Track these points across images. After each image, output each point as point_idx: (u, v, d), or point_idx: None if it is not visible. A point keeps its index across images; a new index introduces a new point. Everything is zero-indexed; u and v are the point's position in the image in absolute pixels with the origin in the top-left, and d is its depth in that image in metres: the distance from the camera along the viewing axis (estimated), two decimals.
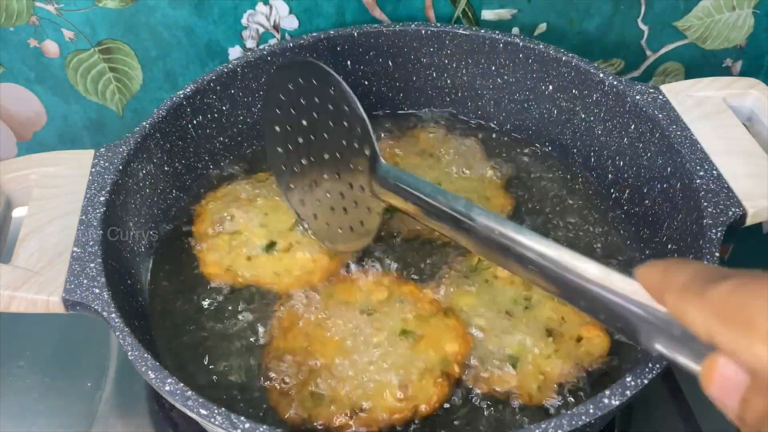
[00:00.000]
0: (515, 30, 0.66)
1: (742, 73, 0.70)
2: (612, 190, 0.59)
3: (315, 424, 0.45)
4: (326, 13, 0.63)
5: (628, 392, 0.39)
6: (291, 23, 0.64)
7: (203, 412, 0.39)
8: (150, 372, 0.41)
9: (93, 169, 0.51)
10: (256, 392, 0.48)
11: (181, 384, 0.40)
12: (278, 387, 0.47)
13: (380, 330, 0.49)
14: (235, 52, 0.65)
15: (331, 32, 0.60)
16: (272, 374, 0.48)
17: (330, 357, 0.47)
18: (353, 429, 0.45)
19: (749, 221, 0.48)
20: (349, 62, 0.62)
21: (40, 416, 0.55)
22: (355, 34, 0.61)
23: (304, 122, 0.50)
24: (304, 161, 0.51)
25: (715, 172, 0.49)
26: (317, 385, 0.47)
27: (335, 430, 0.45)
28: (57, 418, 0.55)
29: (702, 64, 0.69)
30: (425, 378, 0.46)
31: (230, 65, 0.58)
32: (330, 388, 0.46)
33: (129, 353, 0.42)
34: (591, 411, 0.38)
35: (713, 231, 0.46)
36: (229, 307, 0.52)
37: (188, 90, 0.56)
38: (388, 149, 0.61)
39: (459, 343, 0.48)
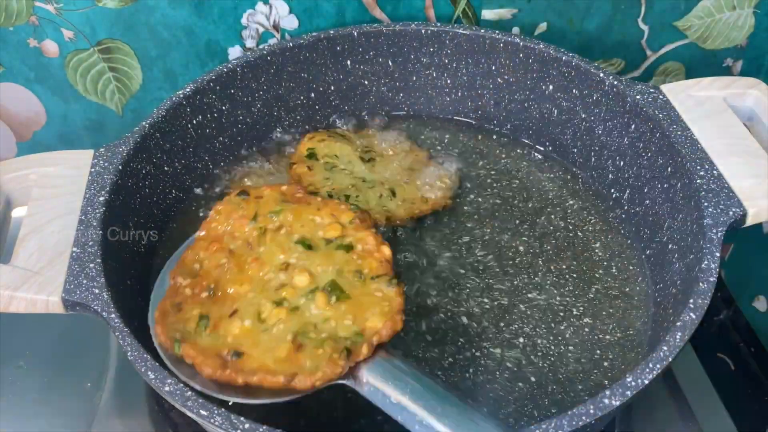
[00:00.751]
0: (515, 30, 0.66)
1: (743, 73, 0.70)
2: (612, 190, 0.59)
3: (178, 351, 0.42)
4: (326, 13, 0.63)
5: (628, 392, 0.39)
6: (291, 23, 0.64)
7: (203, 412, 0.39)
8: (150, 372, 0.41)
9: (92, 169, 0.51)
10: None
11: (181, 384, 0.40)
12: (168, 299, 0.44)
13: (308, 272, 0.44)
14: (234, 52, 0.65)
15: (331, 32, 0.60)
16: (174, 281, 0.45)
17: (239, 282, 0.44)
18: (214, 373, 0.41)
19: (750, 221, 0.48)
20: (349, 62, 0.62)
21: (40, 416, 0.55)
22: (355, 33, 0.61)
23: None
24: None
25: (715, 172, 0.49)
26: (209, 310, 0.43)
27: (197, 366, 0.41)
28: (57, 418, 0.55)
29: (702, 63, 0.69)
30: (324, 346, 0.41)
31: (230, 65, 0.58)
32: (219, 316, 0.43)
33: (128, 353, 0.42)
34: (591, 411, 0.38)
35: (714, 231, 0.46)
36: None
37: (188, 90, 0.56)
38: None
39: (385, 322, 0.42)
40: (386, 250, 0.46)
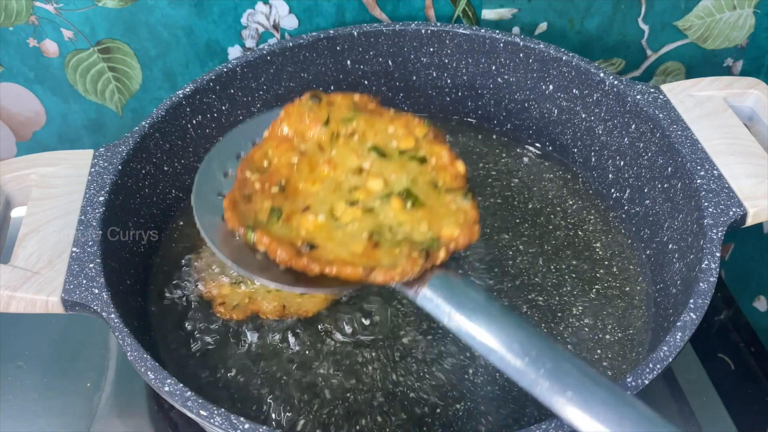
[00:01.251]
0: (515, 29, 0.66)
1: (743, 73, 0.70)
2: (612, 190, 0.59)
3: (251, 236, 0.41)
4: (326, 13, 0.63)
5: (628, 393, 0.39)
6: (291, 23, 0.64)
7: (203, 412, 0.39)
8: (149, 372, 0.41)
9: (92, 169, 0.51)
10: (256, 392, 0.48)
11: (181, 384, 0.40)
12: (237, 190, 0.43)
13: (382, 178, 0.44)
14: (234, 52, 0.65)
15: (331, 32, 0.60)
16: (242, 174, 0.44)
17: (310, 181, 0.44)
18: (290, 259, 0.40)
19: (750, 221, 0.48)
20: (348, 62, 0.62)
21: (40, 416, 0.55)
22: (355, 33, 0.61)
23: None
24: None
25: (715, 172, 0.49)
26: (280, 204, 0.42)
27: (271, 253, 0.40)
28: (56, 418, 0.55)
29: (703, 63, 0.69)
30: (401, 246, 0.40)
31: (230, 65, 0.58)
32: (292, 210, 0.42)
33: (128, 354, 0.42)
34: None
35: (714, 231, 0.46)
36: None
37: (188, 90, 0.56)
38: None
39: (462, 231, 0.41)
40: (460, 166, 0.45)
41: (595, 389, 0.35)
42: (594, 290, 0.53)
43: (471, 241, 0.42)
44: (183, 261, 0.54)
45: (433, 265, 0.40)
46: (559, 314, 0.52)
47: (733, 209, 0.47)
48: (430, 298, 0.40)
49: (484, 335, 0.38)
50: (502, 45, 0.60)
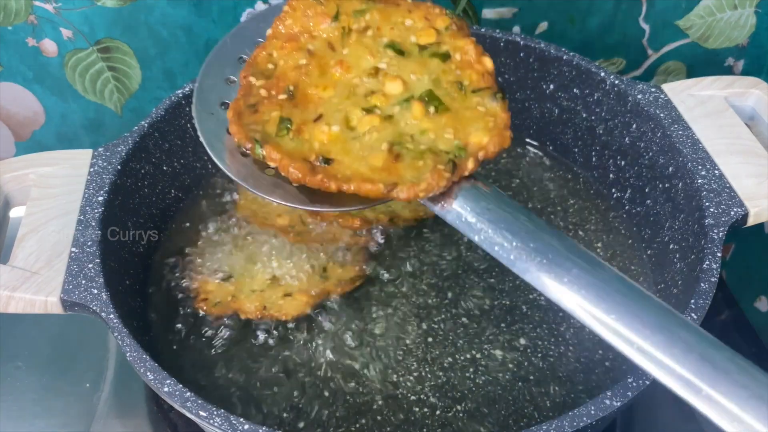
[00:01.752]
0: (516, 29, 0.66)
1: (744, 73, 0.70)
2: (613, 190, 0.59)
3: (259, 151, 0.38)
4: None
5: (629, 393, 0.39)
6: None
7: (202, 413, 0.38)
8: (149, 373, 0.40)
9: (91, 169, 0.51)
10: (256, 393, 0.48)
11: (180, 385, 0.40)
12: (242, 99, 0.40)
13: (401, 79, 0.40)
14: None
15: None
16: (245, 80, 0.41)
17: (322, 86, 0.40)
18: (303, 177, 0.37)
19: (751, 221, 0.48)
20: None
21: (39, 417, 0.55)
22: None
23: None
24: None
25: (717, 171, 0.49)
26: (290, 113, 0.39)
27: (282, 169, 0.37)
28: (55, 419, 0.55)
29: (704, 63, 0.68)
30: (425, 158, 0.37)
31: None
32: (303, 120, 0.39)
33: (127, 354, 0.42)
34: (592, 412, 0.38)
35: (715, 231, 0.46)
36: None
37: (187, 89, 0.56)
38: None
39: (492, 137, 0.38)
40: (488, 62, 0.42)
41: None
42: None
43: (502, 148, 0.38)
44: (183, 260, 0.54)
45: (461, 177, 0.37)
46: (561, 314, 0.52)
47: (735, 209, 0.47)
48: (458, 214, 0.37)
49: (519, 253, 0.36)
50: (502, 44, 0.60)
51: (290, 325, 0.51)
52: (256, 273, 0.53)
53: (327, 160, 0.37)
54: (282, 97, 0.40)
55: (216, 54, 0.44)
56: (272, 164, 0.37)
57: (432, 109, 0.39)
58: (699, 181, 0.48)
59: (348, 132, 0.38)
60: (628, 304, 0.34)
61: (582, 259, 0.36)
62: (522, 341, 0.50)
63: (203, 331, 0.51)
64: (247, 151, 0.38)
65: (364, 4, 0.43)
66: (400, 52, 0.41)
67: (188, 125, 0.57)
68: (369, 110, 0.39)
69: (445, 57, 0.41)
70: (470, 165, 0.37)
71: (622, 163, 0.57)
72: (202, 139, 0.40)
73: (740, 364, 0.32)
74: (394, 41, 0.42)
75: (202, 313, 0.51)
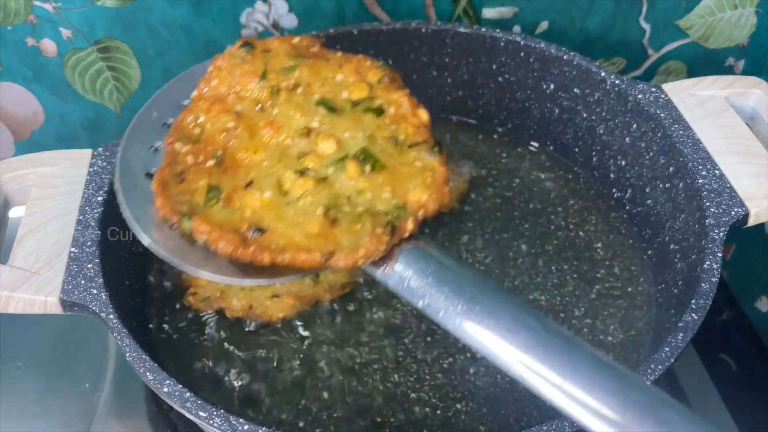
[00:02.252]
0: (516, 28, 0.65)
1: (745, 72, 0.70)
2: (614, 190, 0.59)
3: (186, 225, 0.36)
4: (326, 12, 0.63)
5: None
6: (290, 22, 0.63)
7: (202, 413, 0.38)
8: (148, 373, 0.40)
9: (91, 169, 0.51)
10: (255, 393, 0.48)
11: (180, 385, 0.40)
12: (168, 167, 0.38)
13: (334, 138, 0.38)
14: None
15: (331, 31, 0.60)
16: (170, 147, 0.39)
17: (252, 149, 0.38)
18: (234, 250, 0.35)
19: (752, 221, 0.47)
20: None
21: (38, 417, 0.55)
22: (355, 32, 0.60)
23: None
24: None
25: (717, 171, 0.49)
26: (219, 180, 0.37)
27: (212, 242, 0.35)
28: (55, 419, 0.55)
29: (704, 63, 0.68)
30: (363, 221, 0.36)
31: None
32: (233, 188, 0.37)
33: (127, 354, 0.41)
34: None
35: (716, 231, 0.46)
36: None
37: None
38: None
39: (431, 194, 0.37)
40: (423, 114, 0.40)
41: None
42: (595, 291, 0.53)
43: (442, 205, 0.37)
44: None
45: (402, 239, 0.36)
46: (561, 315, 0.52)
47: (735, 209, 0.47)
48: (401, 277, 0.36)
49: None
50: (502, 44, 0.60)
51: (294, 324, 0.51)
52: None
53: (260, 230, 0.35)
54: (210, 163, 0.38)
55: (139, 120, 0.42)
56: (201, 238, 0.36)
57: (368, 168, 0.37)
58: (699, 181, 0.48)
59: (281, 197, 0.37)
60: (579, 366, 0.33)
61: (531, 321, 0.34)
62: None
63: (204, 332, 0.51)
64: (173, 225, 0.36)
65: (292, 61, 0.41)
66: (332, 109, 0.40)
67: None
68: (302, 173, 0.37)
69: (379, 112, 0.40)
70: (410, 226, 0.36)
71: (623, 163, 0.57)
72: (126, 214, 0.38)
73: (693, 422, 0.31)
74: (325, 98, 0.40)
75: (203, 313, 0.51)
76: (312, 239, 0.35)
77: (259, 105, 0.40)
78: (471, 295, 0.35)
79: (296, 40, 0.43)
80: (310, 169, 0.38)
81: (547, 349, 0.33)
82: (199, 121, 0.40)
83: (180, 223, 0.36)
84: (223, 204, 0.36)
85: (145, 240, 0.37)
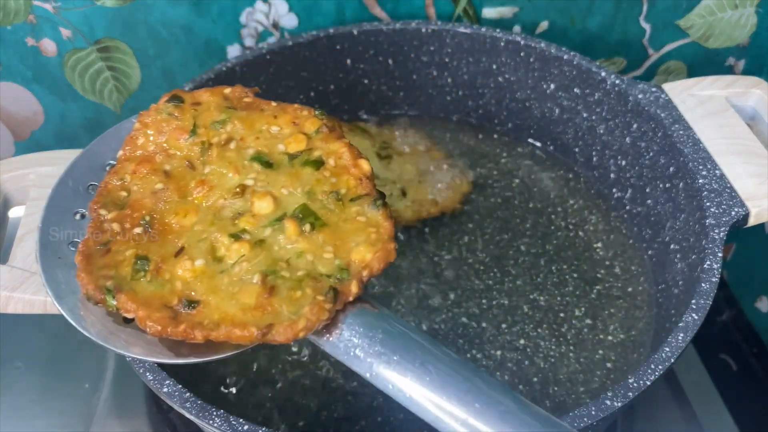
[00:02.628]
0: (516, 28, 0.65)
1: (745, 72, 0.69)
2: (614, 190, 0.59)
3: (112, 303, 0.33)
4: (326, 11, 0.63)
5: (630, 394, 0.39)
6: (290, 21, 0.63)
7: (202, 414, 0.38)
8: (148, 373, 0.40)
9: None
10: (255, 394, 0.48)
11: (180, 386, 0.40)
12: (92, 237, 0.35)
13: (270, 195, 0.36)
14: (233, 51, 0.65)
15: (331, 30, 0.60)
16: (95, 213, 0.36)
17: (182, 212, 0.36)
18: (163, 329, 0.32)
19: (752, 221, 0.47)
20: (348, 61, 0.62)
21: (38, 417, 0.55)
22: (355, 32, 0.60)
23: None
24: None
25: (717, 171, 0.49)
26: (146, 250, 0.35)
27: (139, 321, 0.33)
28: (55, 419, 0.55)
29: (704, 62, 0.68)
30: (303, 286, 0.33)
31: (229, 64, 0.58)
32: (162, 257, 0.34)
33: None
34: (593, 413, 0.38)
35: (716, 231, 0.46)
36: None
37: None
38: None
39: (375, 252, 0.34)
40: (365, 165, 0.38)
41: None
42: (595, 291, 0.53)
43: (387, 263, 0.35)
44: None
45: (346, 303, 0.34)
46: (561, 315, 0.52)
47: (735, 209, 0.47)
48: (346, 346, 0.33)
49: (415, 388, 0.32)
50: (502, 44, 0.60)
51: None
52: None
53: (191, 303, 0.33)
54: (137, 230, 0.36)
55: (60, 185, 0.39)
56: (128, 316, 0.33)
57: (307, 227, 0.35)
58: (700, 181, 0.48)
59: (215, 265, 0.34)
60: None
61: (493, 395, 0.32)
62: (522, 341, 0.50)
63: None
64: (98, 304, 0.34)
65: (223, 114, 0.39)
66: (268, 164, 0.37)
67: None
68: (237, 236, 0.35)
69: (318, 164, 0.38)
70: (354, 289, 0.34)
71: (623, 163, 0.57)
72: (48, 291, 0.35)
73: None
74: (260, 152, 0.38)
75: None
76: (248, 312, 0.33)
77: (190, 163, 0.38)
78: (421, 362, 0.32)
79: (228, 90, 0.41)
80: (246, 231, 0.35)
81: (504, 422, 0.31)
82: (126, 184, 0.37)
83: (104, 301, 0.34)
84: (152, 276, 0.34)
85: (73, 321, 0.35)
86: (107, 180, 0.38)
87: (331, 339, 0.34)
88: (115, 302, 0.33)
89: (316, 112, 0.40)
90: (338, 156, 0.38)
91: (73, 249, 0.36)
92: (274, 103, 0.40)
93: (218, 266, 0.34)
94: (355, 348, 0.33)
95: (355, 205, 0.36)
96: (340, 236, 0.35)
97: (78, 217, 0.38)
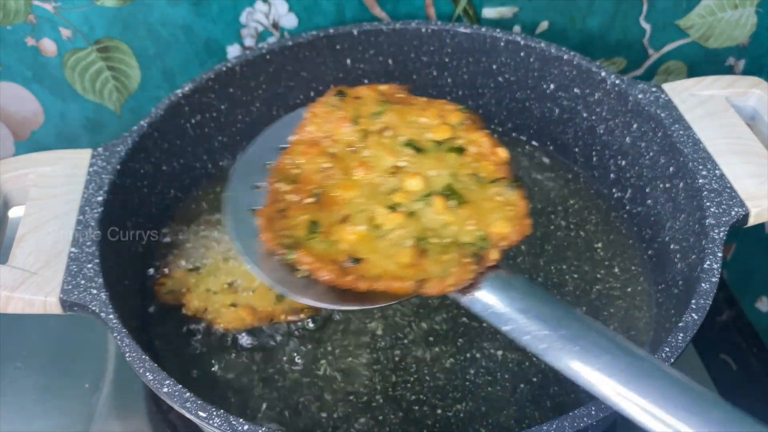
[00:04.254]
0: (516, 28, 0.65)
1: (745, 72, 0.69)
2: (614, 190, 0.59)
3: (289, 257, 0.39)
4: (326, 11, 0.63)
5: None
6: (290, 21, 0.63)
7: (202, 414, 0.38)
8: (148, 373, 0.40)
9: (90, 169, 0.51)
10: (255, 393, 0.48)
11: (180, 385, 0.40)
12: (271, 204, 0.41)
13: (420, 175, 0.41)
14: (233, 51, 0.65)
15: (331, 30, 0.60)
16: (273, 187, 0.42)
17: (346, 187, 0.42)
18: (335, 279, 0.38)
19: (752, 221, 0.47)
20: (348, 61, 0.62)
21: (38, 417, 0.55)
22: (355, 32, 0.60)
23: None
24: None
25: (717, 171, 0.49)
26: (317, 216, 0.40)
27: (314, 272, 0.38)
28: (54, 419, 0.55)
29: (704, 62, 0.68)
30: (450, 252, 0.39)
31: (229, 64, 0.58)
32: (330, 223, 0.40)
33: (127, 354, 0.41)
34: (593, 412, 0.38)
35: (716, 231, 0.46)
36: None
37: (186, 89, 0.56)
38: None
39: (512, 227, 0.40)
40: (502, 153, 0.43)
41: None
42: (595, 291, 0.53)
43: (523, 236, 0.40)
44: (173, 251, 0.54)
45: (486, 267, 0.39)
46: None
47: (735, 209, 0.47)
48: (485, 304, 0.38)
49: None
50: (502, 44, 0.60)
51: (298, 324, 0.51)
52: (220, 274, 0.53)
53: (356, 260, 0.38)
54: (309, 200, 0.41)
55: (242, 162, 0.46)
56: (305, 268, 0.38)
57: (453, 203, 0.40)
58: (700, 181, 0.48)
59: (374, 231, 0.40)
60: (662, 386, 0.34)
61: (612, 345, 0.36)
62: None
63: (204, 332, 0.51)
64: (278, 257, 0.39)
65: (380, 107, 0.45)
66: (418, 149, 0.43)
67: (187, 125, 0.57)
68: (393, 208, 0.40)
69: (461, 150, 0.43)
70: (494, 255, 0.39)
71: (623, 162, 0.57)
72: (237, 246, 0.41)
73: None
74: (411, 139, 0.43)
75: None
76: (404, 269, 0.38)
77: (352, 147, 0.44)
78: (553, 320, 0.37)
79: (383, 87, 0.47)
80: (400, 204, 0.40)
81: (628, 373, 0.35)
82: (297, 163, 0.43)
83: (285, 255, 0.39)
84: (322, 237, 0.39)
85: (255, 270, 0.40)
86: (282, 159, 0.44)
87: (471, 298, 0.38)
88: (294, 256, 0.38)
89: (460, 107, 0.45)
90: (478, 145, 0.43)
91: (252, 214, 0.42)
92: (423, 99, 0.46)
93: (377, 232, 0.40)
94: (492, 306, 0.38)
95: (494, 187, 0.41)
96: (481, 212, 0.40)
97: (254, 189, 0.44)
